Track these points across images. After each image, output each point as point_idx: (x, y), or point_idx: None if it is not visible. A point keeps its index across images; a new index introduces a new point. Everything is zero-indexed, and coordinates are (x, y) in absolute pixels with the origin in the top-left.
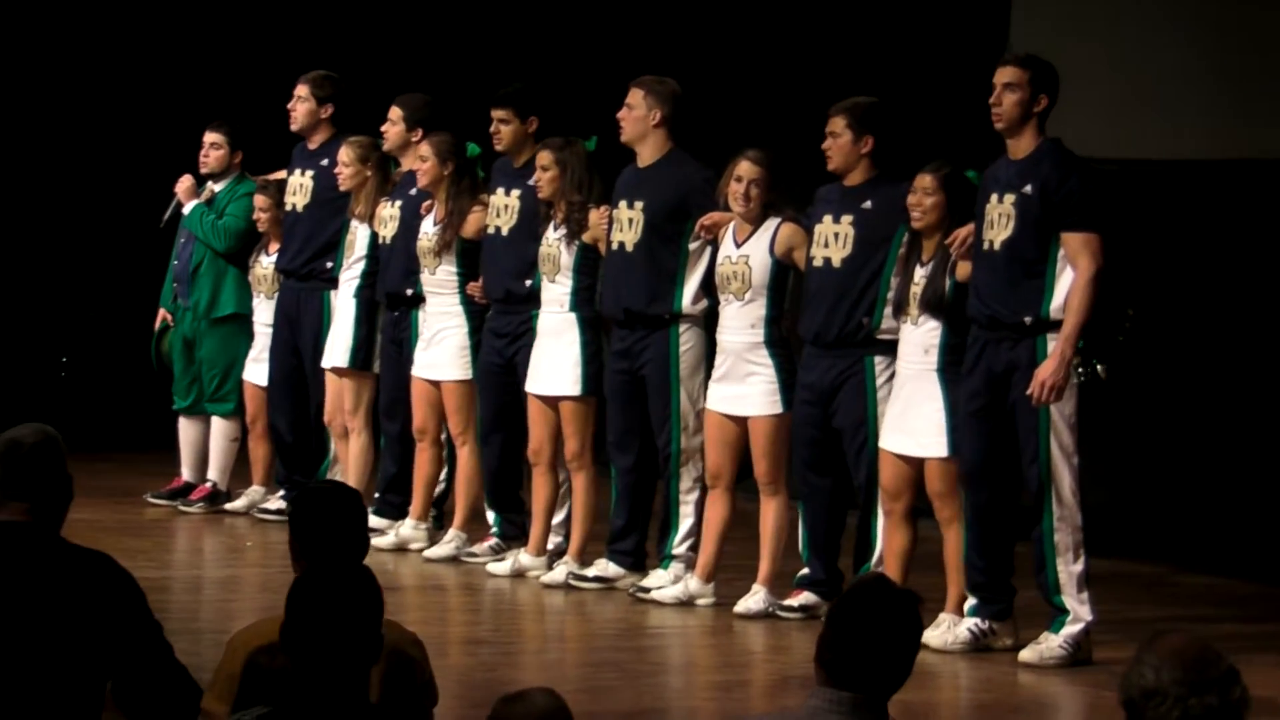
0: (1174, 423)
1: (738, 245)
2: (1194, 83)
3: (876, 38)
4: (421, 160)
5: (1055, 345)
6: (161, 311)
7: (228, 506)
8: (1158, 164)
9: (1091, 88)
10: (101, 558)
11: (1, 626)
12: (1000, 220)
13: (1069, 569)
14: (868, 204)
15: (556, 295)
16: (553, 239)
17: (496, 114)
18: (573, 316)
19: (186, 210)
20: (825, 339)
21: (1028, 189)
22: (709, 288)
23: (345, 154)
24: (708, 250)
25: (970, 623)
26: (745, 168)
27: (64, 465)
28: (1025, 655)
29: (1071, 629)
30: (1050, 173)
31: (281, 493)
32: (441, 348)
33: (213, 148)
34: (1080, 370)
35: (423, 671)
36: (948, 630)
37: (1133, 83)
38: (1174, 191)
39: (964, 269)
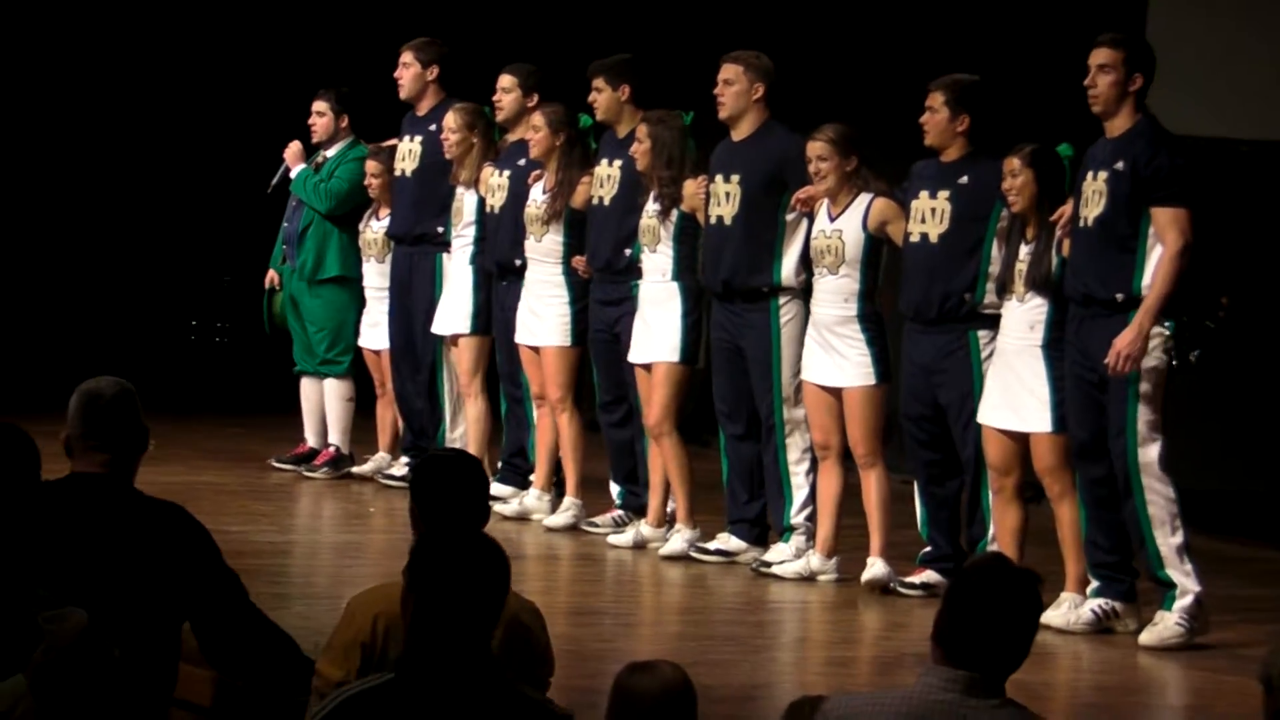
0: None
1: (831, 219)
2: None
3: (965, 12)
4: (534, 130)
5: (1136, 316)
6: (270, 273)
7: (353, 471)
8: (1256, 144)
9: (1199, 67)
10: (175, 508)
11: (78, 575)
12: (1094, 197)
13: (1168, 541)
14: (964, 179)
15: (659, 265)
16: (652, 210)
17: (592, 82)
18: (675, 286)
19: (294, 174)
20: (927, 315)
21: (1119, 165)
22: (807, 260)
23: (451, 120)
24: (804, 222)
25: (1095, 603)
26: (811, 147)
27: (140, 417)
28: (1145, 638)
29: (1183, 602)
30: (1142, 149)
31: (405, 459)
32: (543, 315)
33: (317, 115)
34: (1173, 355)
35: (539, 641)
36: (1070, 610)
37: (1237, 62)
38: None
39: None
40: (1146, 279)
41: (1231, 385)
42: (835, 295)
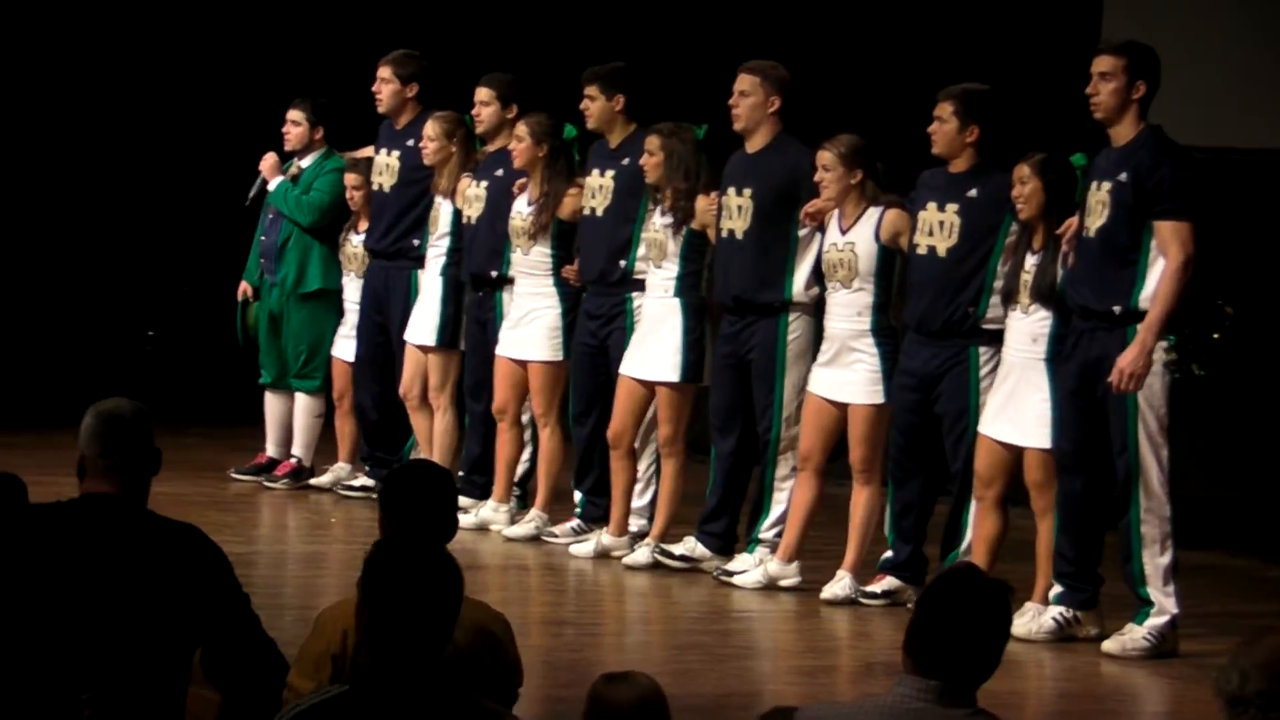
0: (1272, 418)
1: (843, 232)
2: None
3: (977, 22)
4: (518, 140)
5: (1138, 333)
6: (243, 284)
7: (312, 482)
8: (1252, 153)
9: (1183, 75)
10: (190, 530)
11: (92, 598)
12: (1097, 208)
13: (1155, 561)
14: (973, 192)
15: (661, 280)
16: (659, 224)
17: (585, 90)
18: (676, 302)
19: (271, 187)
20: (930, 327)
21: (1122, 176)
22: (819, 275)
23: (431, 129)
24: (818, 237)
25: (1055, 611)
26: (820, 156)
27: (153, 438)
28: (1108, 646)
29: (1156, 621)
30: (1145, 160)
31: (366, 469)
32: (531, 328)
33: (292, 124)
34: (1175, 369)
35: (508, 652)
36: (1033, 619)
37: (1225, 70)
38: (1273, 182)
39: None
40: (1146, 292)
41: (1229, 394)
42: (849, 309)
